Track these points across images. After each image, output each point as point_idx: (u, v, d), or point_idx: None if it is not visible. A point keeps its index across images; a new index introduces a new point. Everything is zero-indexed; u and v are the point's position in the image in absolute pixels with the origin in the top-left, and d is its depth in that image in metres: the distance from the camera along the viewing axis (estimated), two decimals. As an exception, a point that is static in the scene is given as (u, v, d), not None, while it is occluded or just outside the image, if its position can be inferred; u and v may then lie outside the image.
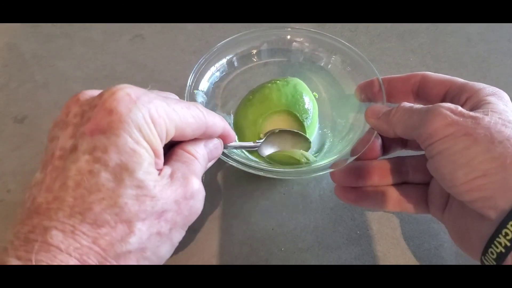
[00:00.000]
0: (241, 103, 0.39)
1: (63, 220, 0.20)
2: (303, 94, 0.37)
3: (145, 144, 0.21)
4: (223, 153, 0.32)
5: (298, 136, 0.36)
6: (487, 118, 0.23)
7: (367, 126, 0.34)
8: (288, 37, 0.41)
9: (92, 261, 0.20)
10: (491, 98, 0.26)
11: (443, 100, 0.29)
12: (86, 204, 0.20)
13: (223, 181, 0.37)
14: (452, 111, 0.24)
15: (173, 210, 0.22)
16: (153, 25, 0.52)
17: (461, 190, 0.23)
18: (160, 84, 0.46)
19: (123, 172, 0.20)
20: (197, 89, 0.37)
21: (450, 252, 0.33)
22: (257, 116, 0.37)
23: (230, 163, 0.31)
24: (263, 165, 0.34)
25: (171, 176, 0.23)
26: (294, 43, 0.41)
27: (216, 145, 0.28)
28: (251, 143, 0.35)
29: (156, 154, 0.22)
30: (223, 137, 0.29)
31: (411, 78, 0.32)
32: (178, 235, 0.24)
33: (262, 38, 0.41)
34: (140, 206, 0.21)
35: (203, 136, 0.27)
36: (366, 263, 0.32)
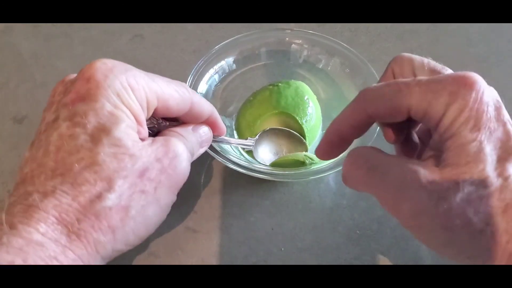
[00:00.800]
0: (243, 104, 0.39)
1: (44, 183, 0.20)
2: (305, 97, 0.37)
3: (124, 108, 0.22)
4: (225, 157, 0.32)
5: (293, 136, 0.36)
6: (459, 195, 0.19)
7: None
8: (287, 39, 0.41)
9: (70, 218, 0.20)
10: (458, 130, 0.20)
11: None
12: (66, 166, 0.20)
13: (223, 181, 0.37)
14: (415, 187, 0.20)
15: (156, 168, 0.22)
16: (153, 25, 0.52)
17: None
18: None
19: (101, 133, 0.21)
20: (196, 92, 0.37)
21: (450, 252, 0.33)
22: (256, 117, 0.37)
23: (232, 167, 0.31)
24: (263, 168, 0.34)
25: (153, 140, 0.24)
26: (293, 45, 0.41)
27: (204, 130, 0.29)
28: (242, 140, 0.35)
29: (137, 121, 0.23)
30: (211, 124, 0.29)
31: (359, 122, 0.24)
32: (166, 197, 0.23)
33: (261, 39, 0.41)
34: (119, 163, 0.21)
35: (190, 116, 0.27)
36: (366, 263, 0.32)
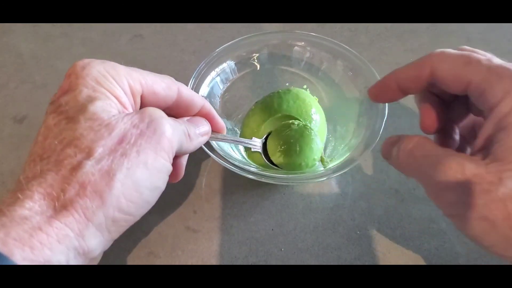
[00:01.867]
0: (245, 115, 0.39)
1: (33, 168, 0.21)
2: (306, 101, 0.37)
3: (103, 90, 0.23)
4: (226, 160, 0.32)
5: None
6: (501, 189, 0.19)
7: (369, 131, 0.33)
8: (289, 41, 0.41)
9: (56, 191, 0.20)
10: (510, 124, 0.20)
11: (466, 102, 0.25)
12: (51, 148, 0.22)
13: (223, 181, 0.37)
14: (459, 178, 0.21)
15: (134, 133, 0.23)
16: (152, 25, 0.52)
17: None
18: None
19: (78, 112, 0.22)
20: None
21: (450, 252, 0.33)
22: (259, 124, 0.37)
23: (234, 170, 0.31)
24: (265, 171, 0.33)
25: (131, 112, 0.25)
26: (295, 47, 0.41)
27: (199, 119, 0.29)
28: (248, 140, 0.35)
29: (120, 103, 0.24)
30: (206, 116, 0.30)
31: (420, 75, 0.25)
32: (152, 159, 0.23)
33: (263, 42, 0.41)
34: (95, 134, 0.22)
35: (181, 108, 0.28)
36: (366, 263, 0.32)
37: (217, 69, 0.39)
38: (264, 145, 0.36)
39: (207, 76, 0.38)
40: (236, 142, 0.35)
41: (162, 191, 0.25)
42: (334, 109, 0.40)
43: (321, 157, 0.35)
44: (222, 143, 0.34)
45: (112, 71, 0.24)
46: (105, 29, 0.52)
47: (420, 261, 0.32)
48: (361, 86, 0.37)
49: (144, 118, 0.24)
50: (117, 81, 0.24)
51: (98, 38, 0.51)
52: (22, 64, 0.48)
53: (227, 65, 0.40)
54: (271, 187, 0.37)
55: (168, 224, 0.35)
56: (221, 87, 0.40)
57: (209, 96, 0.38)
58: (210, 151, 0.31)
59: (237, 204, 0.36)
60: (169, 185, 0.26)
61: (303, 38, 0.41)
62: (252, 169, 0.32)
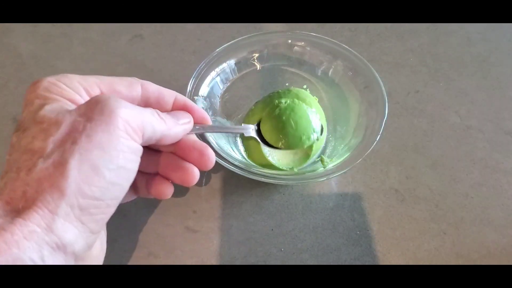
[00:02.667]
0: (245, 115, 0.39)
1: (1, 181, 0.22)
2: (306, 101, 0.37)
3: (53, 96, 0.24)
4: (228, 161, 0.32)
5: None
6: None
7: (369, 131, 0.33)
8: (289, 41, 0.41)
9: (18, 195, 0.21)
10: None
11: None
12: (14, 160, 0.22)
13: (223, 181, 0.37)
14: None
15: (82, 121, 0.23)
16: (152, 25, 0.52)
17: None
18: (159, 84, 0.45)
19: (30, 120, 0.23)
20: (197, 95, 0.37)
21: (450, 252, 0.33)
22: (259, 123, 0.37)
23: (234, 170, 0.31)
24: (264, 171, 0.33)
25: None
26: (295, 48, 0.41)
27: (179, 112, 0.29)
28: (234, 126, 0.35)
29: (75, 104, 0.25)
30: (183, 109, 0.29)
31: None
32: (106, 139, 0.23)
33: (263, 42, 0.41)
34: (45, 133, 0.22)
35: (152, 104, 0.28)
36: (366, 264, 0.32)
37: (217, 69, 0.39)
38: (259, 132, 0.36)
39: (207, 76, 0.38)
40: (225, 130, 0.34)
41: (134, 172, 0.24)
42: (334, 109, 0.40)
43: (321, 157, 0.35)
44: (222, 144, 0.34)
45: (64, 78, 0.25)
46: (105, 29, 0.52)
47: (420, 261, 0.32)
48: (361, 86, 0.37)
49: (90, 104, 0.23)
50: (69, 85, 0.25)
51: (98, 38, 0.51)
52: (22, 64, 0.48)
53: (227, 65, 0.40)
54: (271, 187, 0.37)
55: (168, 224, 0.35)
56: (221, 87, 0.40)
57: (209, 96, 0.38)
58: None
59: (236, 204, 0.36)
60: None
61: (303, 38, 0.41)
62: (252, 169, 0.32)
